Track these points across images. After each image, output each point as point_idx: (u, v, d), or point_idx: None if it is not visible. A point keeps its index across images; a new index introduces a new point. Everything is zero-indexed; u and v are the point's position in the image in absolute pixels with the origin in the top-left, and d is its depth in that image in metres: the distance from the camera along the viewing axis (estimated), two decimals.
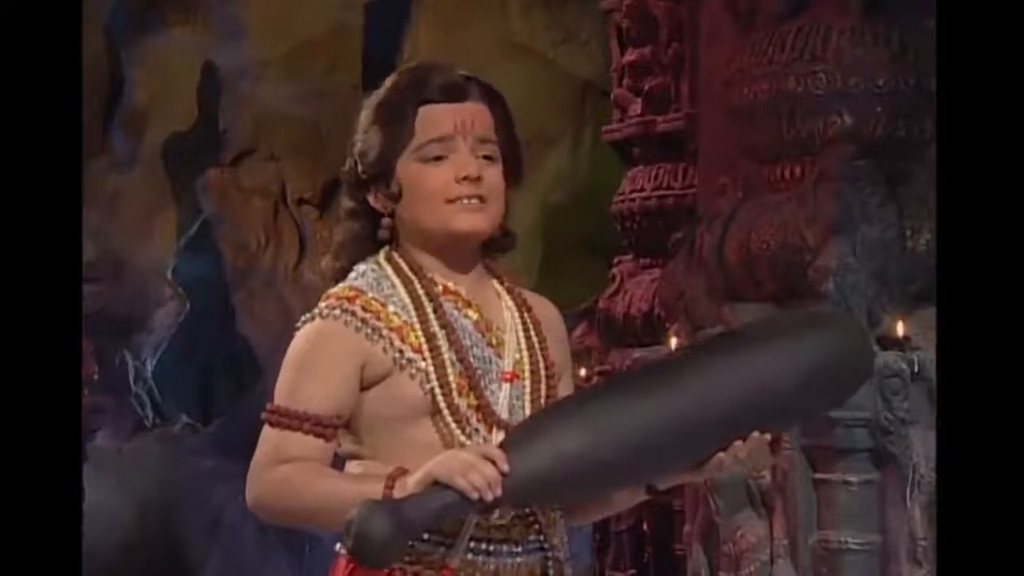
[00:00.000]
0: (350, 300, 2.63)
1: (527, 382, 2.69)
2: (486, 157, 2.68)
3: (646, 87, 6.47)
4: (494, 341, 2.68)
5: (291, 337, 2.68)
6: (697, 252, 5.20)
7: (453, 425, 2.62)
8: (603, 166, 8.15)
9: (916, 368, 4.65)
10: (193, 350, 14.33)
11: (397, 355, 2.62)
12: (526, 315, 2.73)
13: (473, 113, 2.68)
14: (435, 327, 2.63)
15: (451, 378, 2.63)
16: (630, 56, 6.55)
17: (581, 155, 9.86)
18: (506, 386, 2.67)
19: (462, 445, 2.59)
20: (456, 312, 2.67)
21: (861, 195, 4.81)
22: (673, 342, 5.36)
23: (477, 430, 2.62)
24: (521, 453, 2.47)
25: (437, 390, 2.62)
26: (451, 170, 2.65)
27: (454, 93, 2.68)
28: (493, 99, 2.71)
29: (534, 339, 2.72)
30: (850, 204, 4.80)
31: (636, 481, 2.62)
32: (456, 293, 2.69)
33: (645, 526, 6.65)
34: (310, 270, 12.64)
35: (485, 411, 2.63)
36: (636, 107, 6.55)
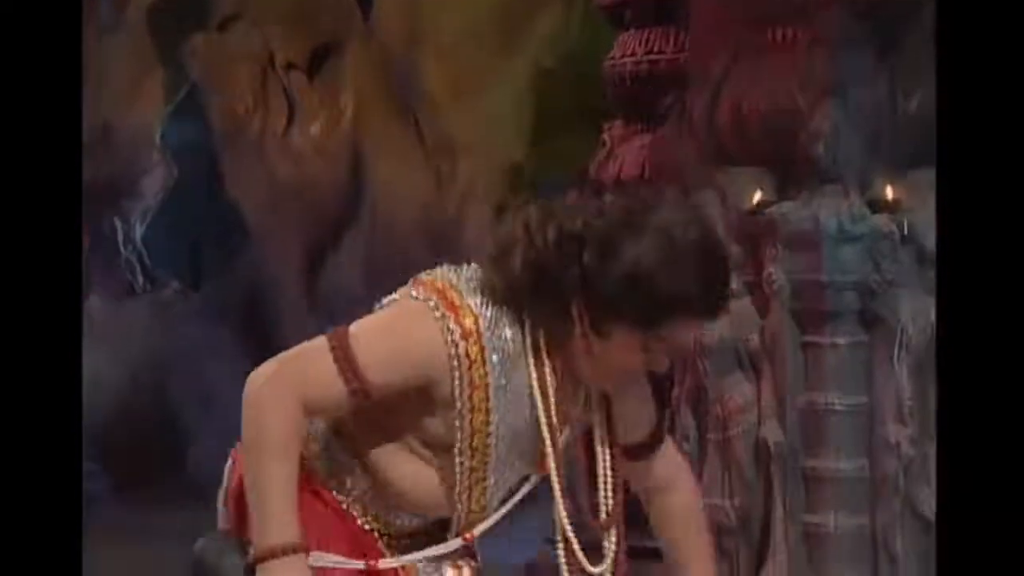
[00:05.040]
0: (465, 334, 2.69)
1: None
2: None
3: None
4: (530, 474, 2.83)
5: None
6: (688, 117, 5.21)
7: (456, 470, 2.76)
8: (595, 30, 8.12)
9: (906, 231, 4.67)
10: (182, 216, 14.33)
11: (457, 401, 2.71)
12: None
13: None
14: (501, 414, 2.74)
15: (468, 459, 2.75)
16: None
17: (573, 19, 9.82)
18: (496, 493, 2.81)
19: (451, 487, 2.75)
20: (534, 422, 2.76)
21: (853, 58, 4.81)
22: None
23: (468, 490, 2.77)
24: None
25: (458, 453, 2.74)
26: (653, 360, 2.72)
27: (718, 313, 2.73)
28: None
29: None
30: (842, 67, 4.80)
31: None
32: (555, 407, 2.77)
33: None
34: (299, 135, 12.62)
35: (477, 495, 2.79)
36: None
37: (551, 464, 2.76)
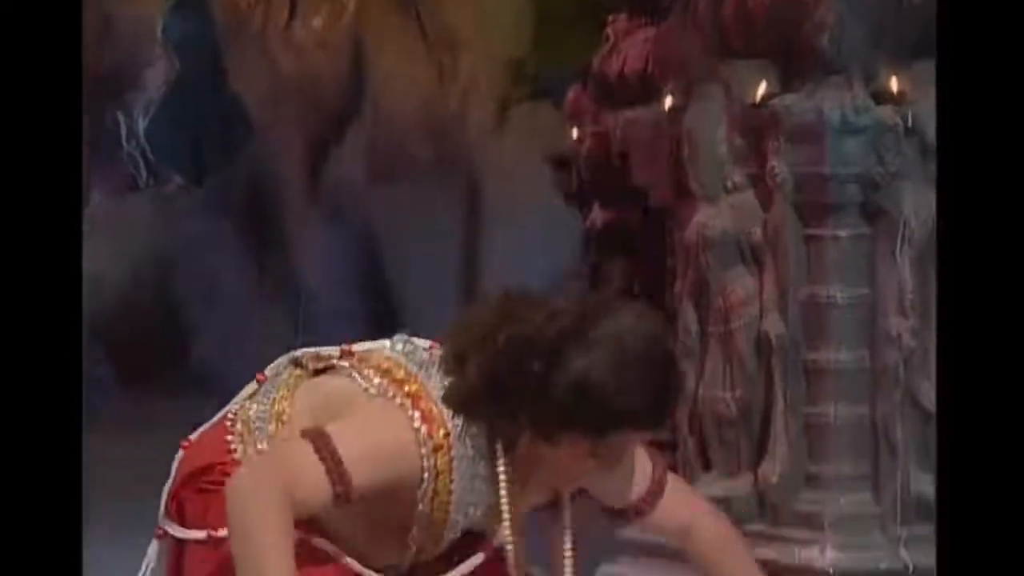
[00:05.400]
0: (436, 447, 2.73)
1: None
2: None
3: None
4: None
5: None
6: (693, 9, 5.18)
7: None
8: None
9: (910, 123, 4.65)
10: (184, 110, 14.28)
11: (420, 504, 2.77)
12: None
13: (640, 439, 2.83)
14: (461, 511, 2.80)
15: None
16: None
17: None
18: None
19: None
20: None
21: None
22: (668, 101, 5.37)
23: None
24: None
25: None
26: (602, 465, 2.77)
27: (663, 421, 2.77)
28: None
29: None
30: None
31: None
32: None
33: (636, 285, 6.73)
34: (301, 28, 12.56)
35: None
36: None
37: (506, 535, 2.82)
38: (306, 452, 2.67)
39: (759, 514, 4.82)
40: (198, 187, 14.43)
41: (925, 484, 4.67)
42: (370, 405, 2.76)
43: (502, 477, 2.76)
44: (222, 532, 2.77)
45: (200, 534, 2.83)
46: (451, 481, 2.75)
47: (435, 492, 2.76)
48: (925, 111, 4.62)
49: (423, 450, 2.72)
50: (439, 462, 2.73)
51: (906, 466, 4.68)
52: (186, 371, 13.17)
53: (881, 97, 4.69)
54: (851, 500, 4.70)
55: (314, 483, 2.66)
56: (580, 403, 2.66)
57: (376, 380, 2.77)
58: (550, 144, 7.49)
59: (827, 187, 4.70)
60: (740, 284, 4.88)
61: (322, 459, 2.66)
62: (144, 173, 14.36)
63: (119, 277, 13.69)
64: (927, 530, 4.62)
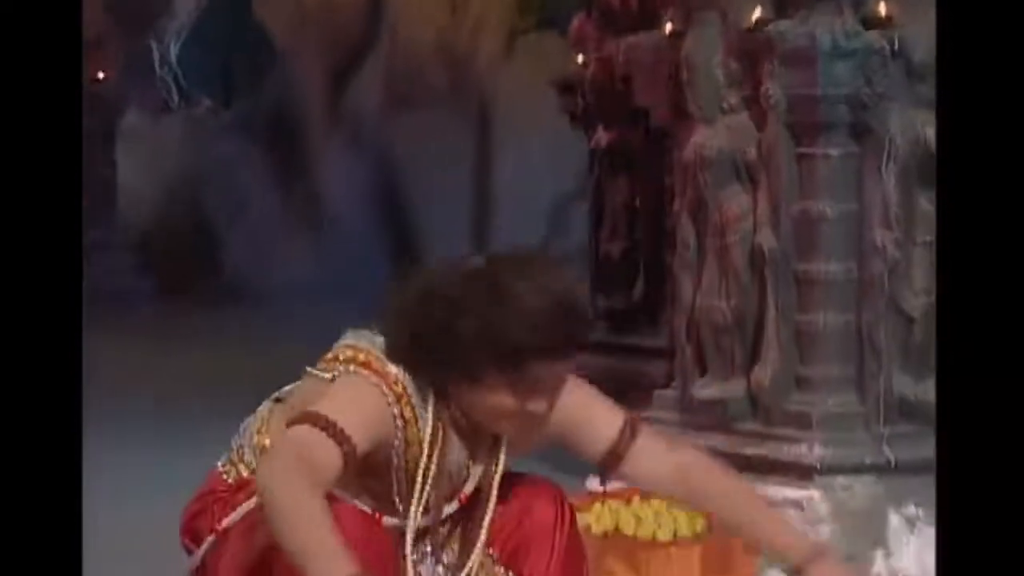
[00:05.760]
0: (398, 397, 2.82)
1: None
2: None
3: None
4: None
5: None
6: None
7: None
8: None
9: (896, 47, 4.62)
10: (214, 37, 14.23)
11: (395, 458, 2.84)
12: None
13: (571, 366, 2.84)
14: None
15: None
16: None
17: None
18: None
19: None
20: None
21: None
22: (667, 27, 5.33)
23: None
24: None
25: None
26: (530, 403, 2.81)
27: (571, 351, 2.81)
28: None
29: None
30: None
31: None
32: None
33: (638, 201, 6.71)
34: None
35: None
36: None
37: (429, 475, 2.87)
38: (305, 430, 2.73)
39: (752, 415, 4.83)
40: (226, 109, 14.39)
41: (906, 385, 4.68)
42: (336, 384, 2.84)
43: (429, 420, 2.84)
44: (225, 522, 2.85)
45: (210, 538, 2.89)
46: (418, 429, 2.83)
47: (407, 442, 2.83)
48: (911, 35, 4.59)
49: (389, 399, 2.81)
50: (404, 410, 2.82)
51: (889, 369, 4.68)
52: (220, 282, 13.19)
53: (870, 22, 4.65)
54: (837, 401, 4.71)
55: (324, 451, 2.71)
56: (483, 339, 2.75)
57: (333, 366, 2.86)
58: (556, 70, 7.46)
59: (818, 108, 4.67)
60: (735, 200, 4.87)
61: (322, 429, 2.72)
62: (176, 96, 14.33)
63: (154, 193, 13.69)
64: (908, 428, 4.65)
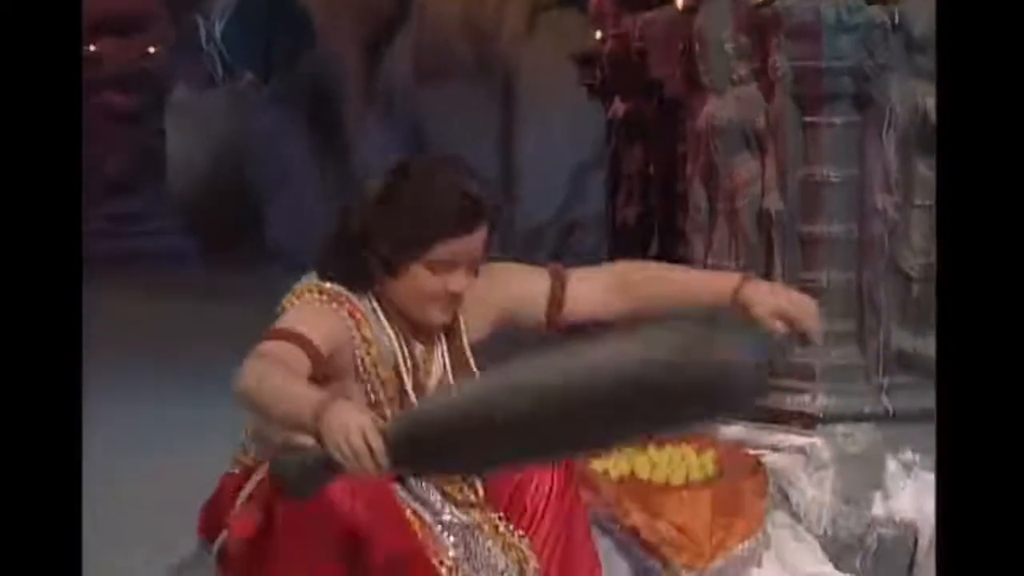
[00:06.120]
0: (357, 322, 2.88)
1: None
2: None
3: None
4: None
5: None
6: None
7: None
8: None
9: (896, 20, 4.60)
10: (256, 14, 14.22)
11: (364, 372, 2.89)
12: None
13: (480, 241, 2.87)
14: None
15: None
16: None
17: None
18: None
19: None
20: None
21: None
22: (680, 3, 5.30)
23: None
24: (397, 422, 2.54)
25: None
26: (445, 282, 2.87)
27: (472, 224, 2.84)
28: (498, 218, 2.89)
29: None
30: None
31: (528, 454, 2.55)
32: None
33: (652, 169, 6.69)
34: None
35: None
36: None
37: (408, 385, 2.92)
38: (267, 344, 2.75)
39: None
40: (266, 84, 14.40)
41: (904, 340, 4.67)
42: (284, 310, 2.89)
43: (381, 316, 2.89)
44: (242, 493, 2.85)
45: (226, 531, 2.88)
46: (370, 324, 2.88)
47: (364, 339, 2.87)
48: (911, 10, 4.57)
49: (333, 305, 2.87)
50: (352, 311, 2.88)
51: (888, 324, 4.68)
52: (261, 246, 13.22)
53: None
54: (839, 353, 4.70)
55: (289, 353, 2.73)
56: (389, 232, 2.83)
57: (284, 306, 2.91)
58: (576, 45, 7.44)
59: (822, 79, 4.65)
60: (745, 167, 4.86)
61: (283, 339, 2.75)
62: (220, 71, 14.32)
63: (199, 161, 13.72)
64: (905, 380, 4.64)
